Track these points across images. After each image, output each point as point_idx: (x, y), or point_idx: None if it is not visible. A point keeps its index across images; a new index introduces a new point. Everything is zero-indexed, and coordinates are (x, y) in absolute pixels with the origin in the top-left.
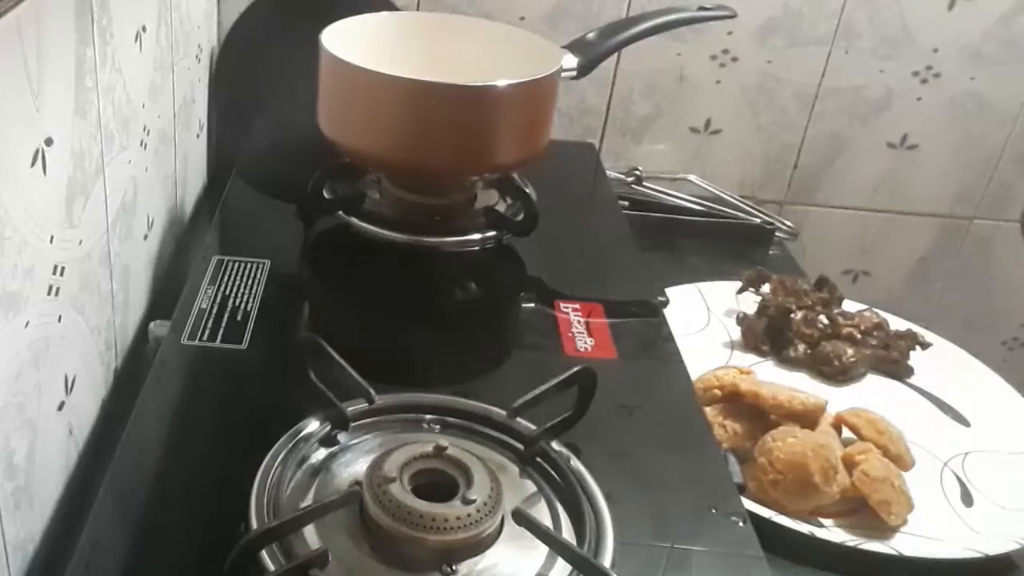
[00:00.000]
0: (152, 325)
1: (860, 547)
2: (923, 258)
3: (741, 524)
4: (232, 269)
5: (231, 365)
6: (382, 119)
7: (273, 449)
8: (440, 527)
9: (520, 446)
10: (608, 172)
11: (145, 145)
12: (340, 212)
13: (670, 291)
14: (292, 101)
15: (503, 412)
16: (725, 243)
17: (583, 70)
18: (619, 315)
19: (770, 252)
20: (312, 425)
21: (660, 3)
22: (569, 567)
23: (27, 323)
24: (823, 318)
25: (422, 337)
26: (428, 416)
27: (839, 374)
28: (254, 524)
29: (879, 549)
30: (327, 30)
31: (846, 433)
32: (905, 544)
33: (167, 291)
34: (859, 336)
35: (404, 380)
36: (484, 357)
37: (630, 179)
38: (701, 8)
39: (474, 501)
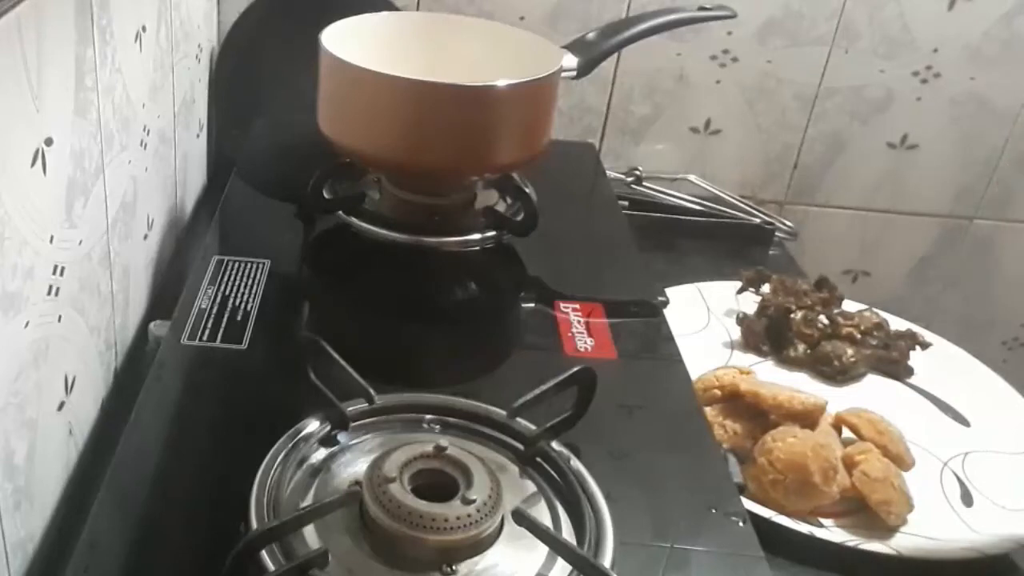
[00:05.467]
0: (152, 325)
1: (860, 547)
2: (923, 258)
3: (741, 524)
4: (232, 269)
5: (231, 365)
6: (382, 119)
7: (273, 449)
8: (440, 527)
9: (520, 446)
10: (608, 172)
11: (145, 145)
12: (340, 212)
13: (670, 291)
14: (292, 101)
15: (503, 412)
16: (725, 243)
17: (583, 70)
18: (619, 315)
19: (770, 252)
20: (312, 425)
21: (660, 3)
22: (569, 567)
23: (27, 323)
24: (823, 318)
25: (422, 337)
26: (428, 416)
27: (839, 374)
28: (254, 524)
29: (879, 549)
30: (327, 30)
31: (846, 433)
32: (905, 544)
33: (167, 291)
34: (859, 336)
35: (404, 380)
36: (484, 357)
37: (630, 179)
38: (701, 8)
39: (474, 501)
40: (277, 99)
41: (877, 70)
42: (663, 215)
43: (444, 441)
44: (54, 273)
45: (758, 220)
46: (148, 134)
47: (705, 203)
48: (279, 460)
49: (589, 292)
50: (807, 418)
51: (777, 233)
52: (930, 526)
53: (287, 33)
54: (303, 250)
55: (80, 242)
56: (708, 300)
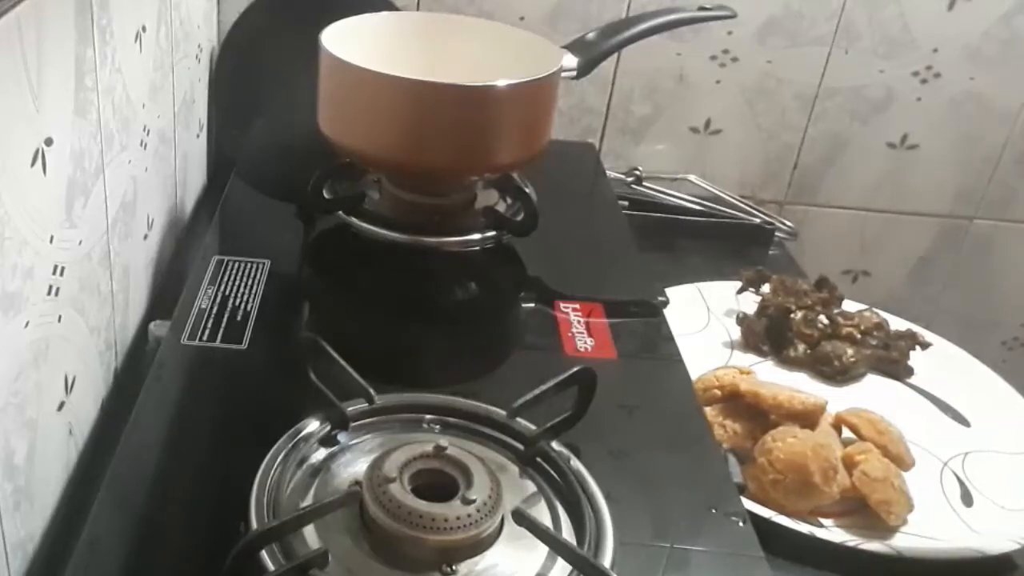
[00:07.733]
0: (152, 325)
1: (860, 547)
2: (923, 258)
3: (741, 524)
4: (232, 269)
5: (231, 365)
6: (382, 119)
7: (273, 449)
8: (440, 527)
9: (520, 446)
10: (608, 172)
11: (145, 145)
12: (340, 212)
13: (670, 291)
14: (292, 101)
15: (503, 412)
16: (725, 243)
17: (583, 70)
18: (619, 315)
19: (770, 252)
20: (312, 425)
21: (660, 3)
22: (569, 567)
23: (27, 323)
24: (823, 318)
25: (422, 337)
26: (428, 416)
27: (839, 374)
28: (254, 524)
29: (879, 549)
30: (327, 30)
31: (846, 433)
32: (905, 544)
33: (167, 291)
34: (859, 336)
35: (404, 380)
36: (484, 357)
37: (630, 179)
38: (701, 8)
39: (474, 501)
40: (277, 99)
41: (877, 70)
42: (663, 215)
43: (444, 441)
44: (54, 273)
45: (758, 220)
46: (148, 134)
47: (705, 203)
48: (279, 460)
49: (589, 292)
50: (807, 418)
51: (777, 233)
52: (930, 526)
53: (287, 33)
54: (303, 250)
55: (80, 242)
56: (708, 300)
